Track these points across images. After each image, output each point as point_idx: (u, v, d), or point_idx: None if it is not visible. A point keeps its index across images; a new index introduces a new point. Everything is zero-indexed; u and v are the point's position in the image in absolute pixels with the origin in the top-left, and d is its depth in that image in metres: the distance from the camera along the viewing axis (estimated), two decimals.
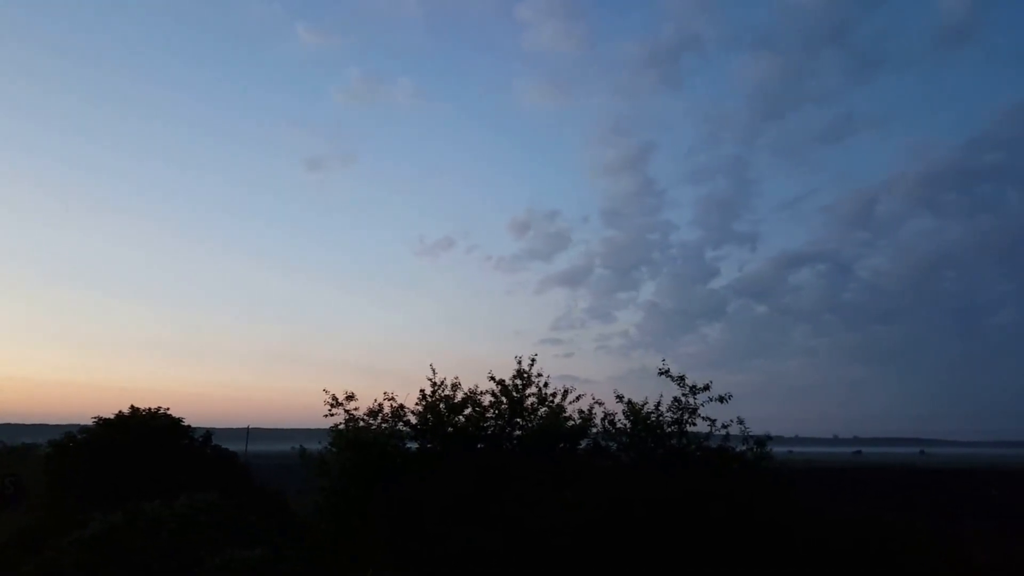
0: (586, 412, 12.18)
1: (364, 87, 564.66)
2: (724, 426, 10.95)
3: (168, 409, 15.36)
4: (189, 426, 15.56)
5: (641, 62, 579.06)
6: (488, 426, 12.38)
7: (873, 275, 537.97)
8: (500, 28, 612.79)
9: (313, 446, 12.98)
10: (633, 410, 11.48)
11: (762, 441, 10.80)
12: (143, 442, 14.28)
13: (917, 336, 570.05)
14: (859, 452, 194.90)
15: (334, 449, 12.25)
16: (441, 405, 12.44)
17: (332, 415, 12.62)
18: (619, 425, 11.64)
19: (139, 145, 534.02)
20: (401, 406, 12.68)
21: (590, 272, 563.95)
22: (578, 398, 12.35)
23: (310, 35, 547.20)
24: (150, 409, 15.20)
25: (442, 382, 12.72)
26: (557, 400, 12.39)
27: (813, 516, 10.13)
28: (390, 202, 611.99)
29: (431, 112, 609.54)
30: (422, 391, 12.61)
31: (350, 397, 12.71)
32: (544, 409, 12.34)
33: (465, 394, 12.56)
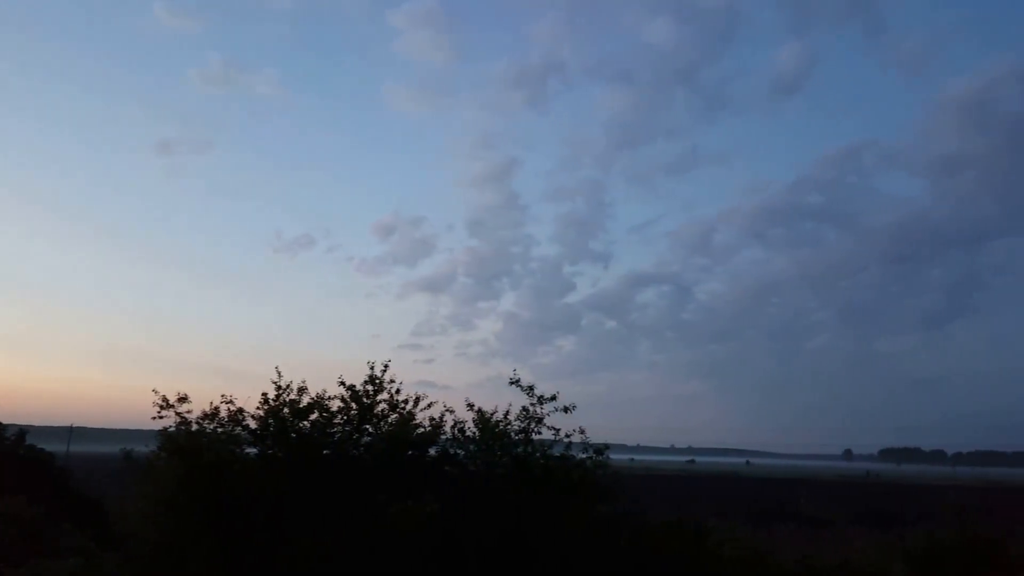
0: (437, 419, 12.16)
1: (224, 74, 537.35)
2: (567, 435, 11.34)
3: None
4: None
5: (509, 81, 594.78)
6: (335, 432, 12.06)
7: (710, 298, 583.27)
8: (371, 31, 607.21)
9: (146, 448, 12.15)
10: (482, 418, 11.62)
11: (600, 449, 11.27)
12: None
13: (745, 355, 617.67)
14: (692, 461, 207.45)
15: (163, 454, 11.52)
16: (285, 409, 11.98)
17: (162, 417, 11.86)
18: (468, 433, 11.74)
19: None
20: (240, 410, 12.10)
21: (453, 280, 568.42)
22: (430, 405, 12.30)
23: (169, 16, 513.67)
24: None
25: (288, 385, 12.27)
26: (408, 407, 12.28)
27: (638, 516, 10.91)
28: (246, 194, 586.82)
29: (296, 106, 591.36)
30: (264, 394, 12.10)
31: (183, 399, 11.96)
32: (395, 416, 12.19)
33: (312, 399, 12.17)
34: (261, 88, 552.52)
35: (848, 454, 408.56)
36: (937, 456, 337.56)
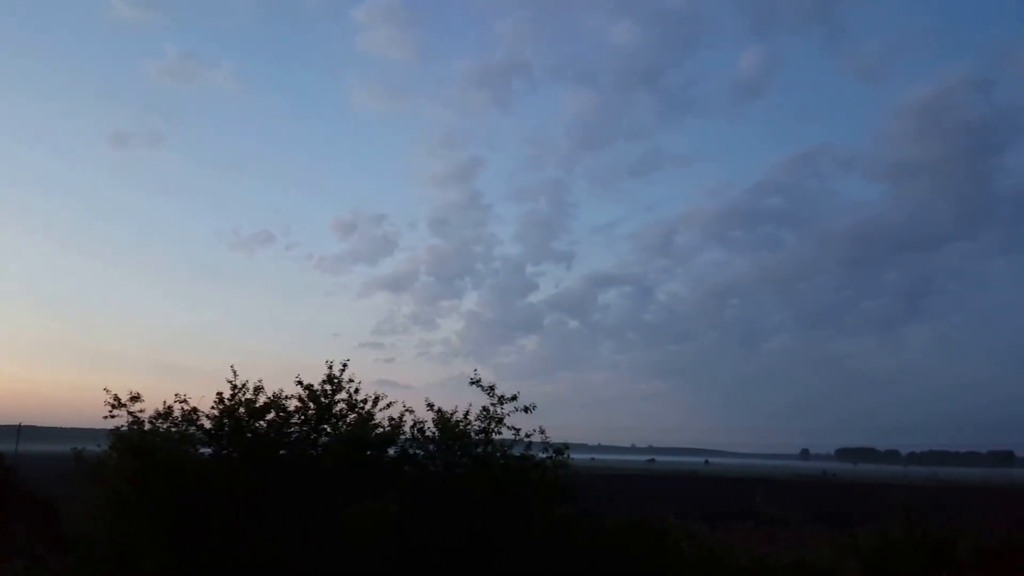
0: (396, 419, 12.09)
1: (182, 66, 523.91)
2: (528, 435, 11.34)
3: None
4: None
5: (473, 80, 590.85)
6: (293, 432, 11.92)
7: (670, 299, 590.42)
8: (333, 27, 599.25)
9: (97, 448, 11.91)
10: (442, 419, 11.57)
11: (560, 449, 11.29)
12: None
13: (705, 356, 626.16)
14: (653, 460, 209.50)
15: (115, 454, 11.27)
16: (241, 409, 11.81)
17: (113, 416, 11.61)
18: (428, 433, 11.68)
19: None
20: (195, 409, 11.90)
21: (415, 278, 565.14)
22: (389, 405, 12.21)
23: (127, 6, 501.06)
24: None
25: (244, 384, 12.09)
26: (368, 407, 12.19)
27: (597, 516, 11.00)
28: (203, 189, 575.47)
29: (255, 101, 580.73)
30: (219, 394, 11.90)
31: (135, 398, 11.74)
32: (353, 416, 12.09)
33: (268, 398, 12.01)
34: (220, 82, 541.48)
35: (805, 454, 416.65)
36: (891, 456, 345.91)
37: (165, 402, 11.95)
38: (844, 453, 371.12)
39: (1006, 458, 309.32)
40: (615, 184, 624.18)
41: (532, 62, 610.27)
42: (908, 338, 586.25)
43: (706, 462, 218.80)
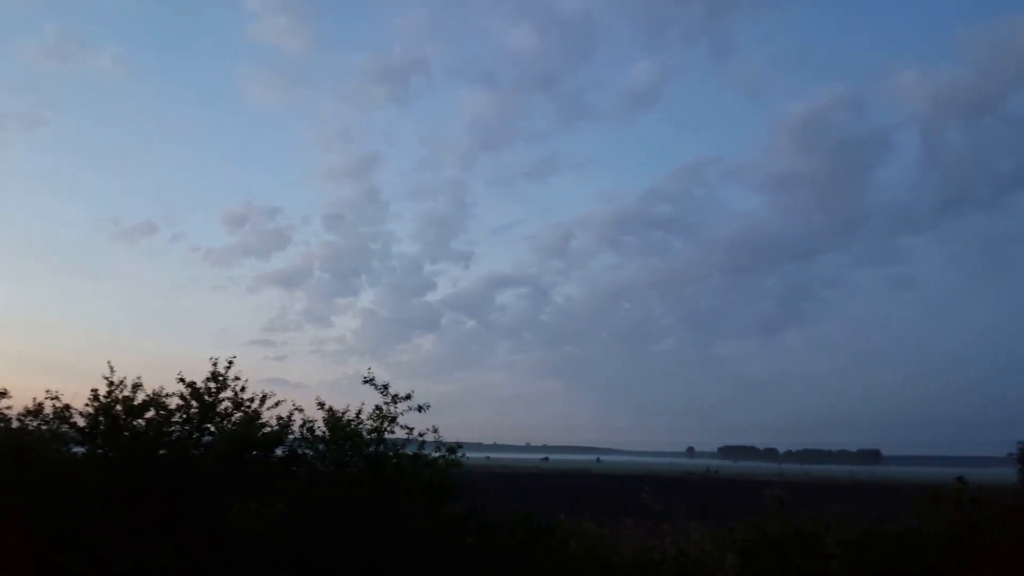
0: (285, 418, 11.81)
1: (61, 47, 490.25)
2: (421, 434, 11.29)
3: None
4: None
5: (372, 75, 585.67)
6: (174, 431, 11.51)
7: (566, 301, 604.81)
8: (225, 14, 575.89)
9: None
10: (333, 417, 11.37)
11: (453, 448, 11.31)
12: None
13: (598, 357, 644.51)
14: (546, 459, 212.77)
15: None
16: (118, 407, 11.29)
17: None
18: (318, 432, 11.45)
19: None
20: (67, 406, 11.32)
21: (309, 274, 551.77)
22: (277, 403, 11.92)
23: None
24: None
25: (121, 381, 11.57)
26: (254, 405, 11.85)
27: (485, 514, 11.06)
28: (81, 176, 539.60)
29: (140, 86, 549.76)
30: (94, 391, 11.34)
31: (1, 394, 11.10)
32: (239, 414, 11.74)
33: (148, 396, 11.51)
34: (103, 65, 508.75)
35: (691, 451, 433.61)
36: (770, 454, 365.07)
37: (35, 399, 11.48)
38: (727, 451, 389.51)
39: (874, 456, 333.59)
40: (513, 186, 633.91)
41: (431, 60, 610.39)
42: (786, 342, 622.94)
43: (598, 460, 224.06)
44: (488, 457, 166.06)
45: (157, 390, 11.61)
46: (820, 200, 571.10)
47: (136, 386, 11.56)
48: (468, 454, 11.84)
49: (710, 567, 10.88)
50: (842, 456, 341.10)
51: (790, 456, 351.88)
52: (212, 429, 11.59)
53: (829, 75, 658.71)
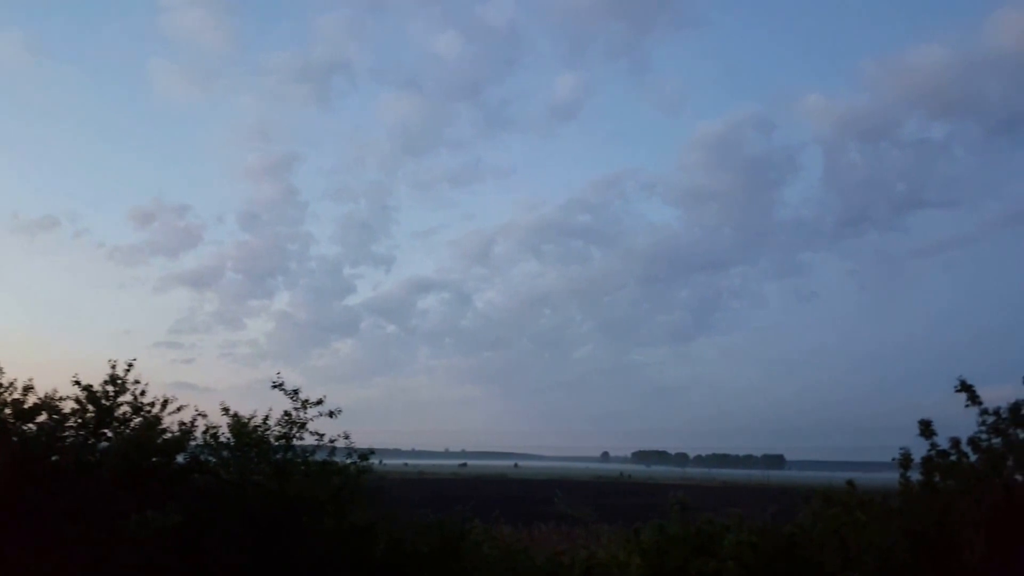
0: (187, 424, 11.45)
1: None
2: (332, 440, 11.12)
3: None
4: None
5: (292, 73, 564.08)
6: (68, 437, 10.98)
7: (487, 306, 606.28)
8: (138, 4, 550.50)
9: None
10: (238, 423, 11.08)
11: (365, 455, 11.18)
12: None
13: (518, 363, 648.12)
14: (465, 464, 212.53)
15: None
16: (6, 410, 10.72)
17: None
18: (222, 439, 11.15)
19: None
20: None
21: (221, 275, 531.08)
22: (179, 409, 11.53)
23: None
24: None
25: (11, 383, 10.99)
26: (155, 410, 11.43)
27: (396, 520, 11.15)
28: None
29: (44, 75, 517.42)
30: None
31: None
32: (139, 420, 11.31)
33: (40, 399, 10.96)
34: (5, 50, 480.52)
35: (606, 456, 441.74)
36: (681, 458, 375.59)
37: None
38: (640, 455, 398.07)
39: (777, 461, 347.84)
40: (436, 191, 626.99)
41: (354, 62, 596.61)
42: (697, 350, 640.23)
43: (515, 465, 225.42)
44: (406, 464, 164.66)
45: (51, 393, 11.07)
46: (730, 215, 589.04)
47: (28, 388, 10.99)
48: (386, 460, 11.74)
49: (617, 570, 11.18)
50: (748, 461, 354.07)
51: (699, 460, 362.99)
52: (109, 435, 11.12)
53: (740, 96, 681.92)
